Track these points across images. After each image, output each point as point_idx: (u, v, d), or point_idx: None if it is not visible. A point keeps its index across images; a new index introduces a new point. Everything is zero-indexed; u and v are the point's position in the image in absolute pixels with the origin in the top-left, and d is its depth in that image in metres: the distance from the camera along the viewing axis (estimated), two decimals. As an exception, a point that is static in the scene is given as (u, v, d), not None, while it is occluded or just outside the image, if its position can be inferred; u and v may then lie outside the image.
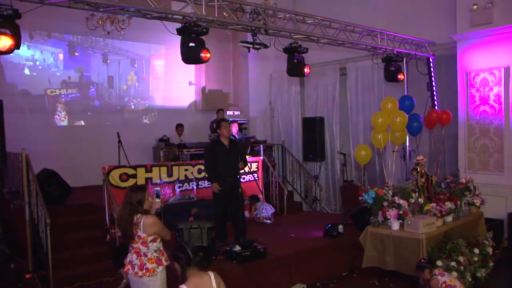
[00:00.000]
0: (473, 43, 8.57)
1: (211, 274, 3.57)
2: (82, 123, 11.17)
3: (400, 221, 6.27)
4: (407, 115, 7.72)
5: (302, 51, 7.45)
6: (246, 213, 9.17)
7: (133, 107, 12.03)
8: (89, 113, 11.24)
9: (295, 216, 9.99)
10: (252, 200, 9.37)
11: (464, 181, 7.36)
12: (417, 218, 6.12)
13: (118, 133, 9.31)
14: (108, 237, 7.27)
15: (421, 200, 6.59)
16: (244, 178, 9.48)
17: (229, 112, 12.50)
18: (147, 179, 8.36)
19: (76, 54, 11.14)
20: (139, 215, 4.18)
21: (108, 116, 11.37)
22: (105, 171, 7.86)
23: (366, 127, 10.65)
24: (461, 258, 6.00)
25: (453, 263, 5.89)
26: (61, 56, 10.97)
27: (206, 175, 7.85)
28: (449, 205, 6.66)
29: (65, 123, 10.90)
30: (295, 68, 7.51)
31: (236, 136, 10.35)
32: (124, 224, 4.21)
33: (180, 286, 3.44)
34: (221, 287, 3.58)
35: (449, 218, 6.66)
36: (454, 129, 8.94)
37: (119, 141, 9.30)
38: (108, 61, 11.62)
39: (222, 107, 11.73)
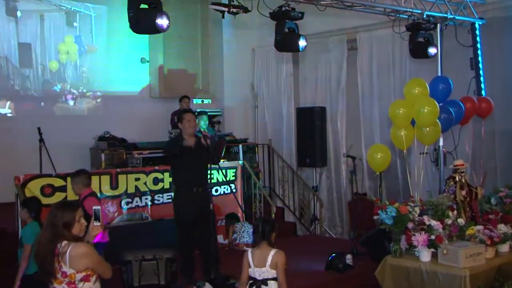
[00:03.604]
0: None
1: (273, 251, 5.27)
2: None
3: (432, 249, 6.20)
4: (439, 104, 7.58)
5: (296, 17, 7.45)
6: (220, 238, 9.26)
7: (71, 102, 11.46)
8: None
9: (286, 241, 9.79)
10: (229, 220, 9.34)
11: (525, 195, 7.31)
12: (457, 246, 6.04)
13: (39, 129, 9.23)
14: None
15: (461, 220, 6.48)
16: (217, 190, 9.43)
17: (197, 100, 12.55)
18: (81, 192, 8.26)
19: None
20: (65, 242, 3.95)
21: (22, 106, 10.83)
22: (19, 182, 7.71)
23: (384, 121, 10.63)
24: (526, 307, 5.92)
25: (513, 312, 5.84)
26: None
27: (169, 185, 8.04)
28: (503, 229, 6.55)
29: None
30: (286, 41, 7.53)
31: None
32: (42, 255, 3.98)
33: (247, 248, 5.59)
34: (278, 265, 5.21)
35: (504, 247, 6.56)
36: (509, 124, 8.85)
37: (41, 140, 9.18)
38: (19, 16, 10.14)
39: (187, 93, 11.72)
